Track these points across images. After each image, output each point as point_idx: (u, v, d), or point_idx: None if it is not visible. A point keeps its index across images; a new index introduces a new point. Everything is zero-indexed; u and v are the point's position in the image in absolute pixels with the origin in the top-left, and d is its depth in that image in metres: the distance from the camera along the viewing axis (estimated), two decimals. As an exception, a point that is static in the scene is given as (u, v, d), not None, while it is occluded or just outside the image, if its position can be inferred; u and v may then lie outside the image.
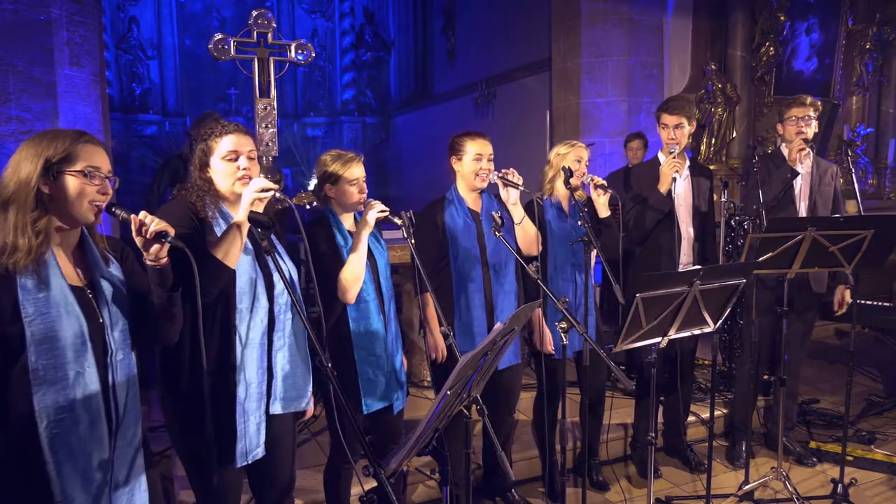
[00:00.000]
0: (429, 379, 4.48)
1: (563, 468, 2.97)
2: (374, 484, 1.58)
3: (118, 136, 10.94)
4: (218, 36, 4.10)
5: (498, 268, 2.95)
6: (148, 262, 1.72)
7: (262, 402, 2.12)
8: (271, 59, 4.16)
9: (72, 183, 1.63)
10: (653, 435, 2.77)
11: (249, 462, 2.12)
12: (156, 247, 1.68)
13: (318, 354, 1.83)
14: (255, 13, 4.14)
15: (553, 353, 3.14)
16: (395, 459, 1.60)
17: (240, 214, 2.03)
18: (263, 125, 4.08)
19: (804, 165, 3.61)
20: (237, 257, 2.03)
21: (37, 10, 4.39)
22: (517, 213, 2.93)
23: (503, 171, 2.87)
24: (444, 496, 1.87)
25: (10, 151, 4.39)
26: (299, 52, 4.21)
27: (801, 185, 3.61)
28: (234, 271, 2.03)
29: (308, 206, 2.41)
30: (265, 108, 4.16)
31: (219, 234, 2.05)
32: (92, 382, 1.62)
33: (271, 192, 2.04)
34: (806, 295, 3.63)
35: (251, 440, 2.10)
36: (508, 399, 3.12)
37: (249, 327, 2.08)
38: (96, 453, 1.63)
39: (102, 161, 1.68)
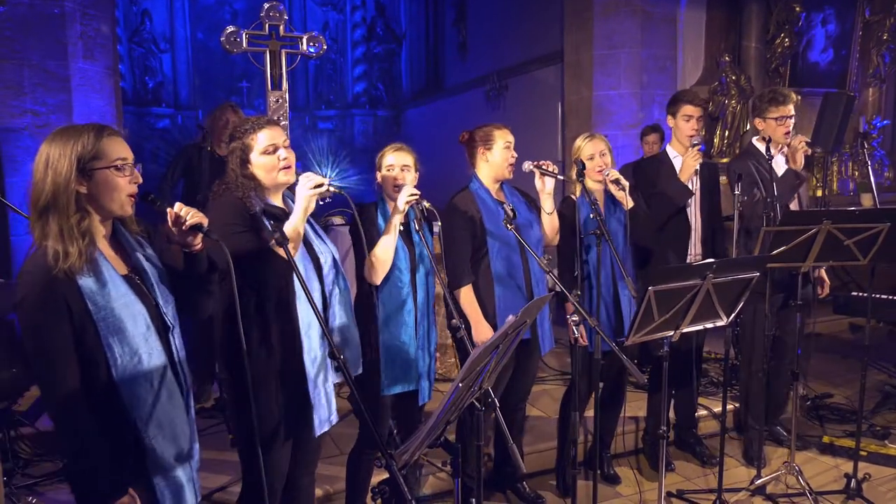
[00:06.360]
0: (440, 372, 4.49)
1: (574, 461, 2.97)
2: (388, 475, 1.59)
3: (131, 130, 11.01)
4: (230, 29, 4.11)
5: (529, 254, 2.96)
6: (182, 250, 1.77)
7: (328, 374, 2.26)
8: (283, 52, 4.17)
9: (107, 179, 1.63)
10: (664, 428, 2.76)
11: (327, 430, 2.26)
12: (190, 238, 1.73)
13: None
14: (266, 6, 4.14)
15: (584, 342, 3.05)
16: (407, 451, 1.61)
17: (296, 217, 2.11)
18: (275, 118, 4.08)
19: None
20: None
21: (51, 4, 4.43)
22: (549, 203, 2.92)
23: (540, 161, 2.89)
24: (455, 488, 1.88)
25: (25, 145, 4.44)
26: (311, 44, 4.22)
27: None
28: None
29: (321, 202, 2.43)
30: (277, 101, 4.17)
31: (266, 226, 2.12)
32: (161, 360, 1.69)
33: (324, 187, 2.10)
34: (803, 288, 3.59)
35: (324, 410, 2.25)
36: (525, 379, 3.10)
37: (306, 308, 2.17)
38: (179, 420, 1.72)
39: (127, 151, 1.69)
